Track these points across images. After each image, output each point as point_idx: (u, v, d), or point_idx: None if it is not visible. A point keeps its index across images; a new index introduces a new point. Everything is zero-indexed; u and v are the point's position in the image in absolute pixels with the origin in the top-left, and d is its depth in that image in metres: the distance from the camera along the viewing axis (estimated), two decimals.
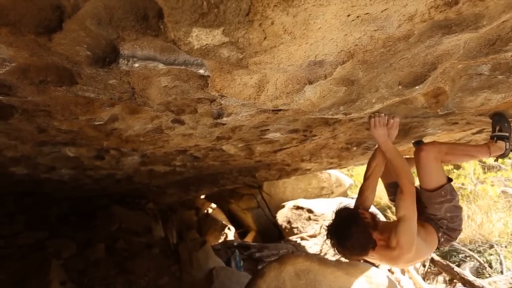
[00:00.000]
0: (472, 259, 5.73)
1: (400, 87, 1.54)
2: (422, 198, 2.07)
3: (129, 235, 4.84)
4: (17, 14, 0.94)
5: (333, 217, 2.00)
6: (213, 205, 8.48)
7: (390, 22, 1.07)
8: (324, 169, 5.59)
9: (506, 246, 5.85)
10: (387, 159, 1.99)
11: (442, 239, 2.07)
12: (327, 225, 1.99)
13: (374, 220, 1.98)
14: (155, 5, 0.90)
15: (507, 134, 2.10)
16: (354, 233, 1.85)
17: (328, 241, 1.97)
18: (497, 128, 2.12)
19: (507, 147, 2.12)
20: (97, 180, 3.66)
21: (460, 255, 5.87)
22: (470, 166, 7.50)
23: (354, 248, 1.87)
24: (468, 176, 7.51)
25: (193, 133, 2.16)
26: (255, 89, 1.38)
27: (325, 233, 1.98)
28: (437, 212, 2.04)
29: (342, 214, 1.97)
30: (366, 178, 2.19)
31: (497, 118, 2.13)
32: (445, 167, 8.80)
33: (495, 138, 2.11)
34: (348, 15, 1.01)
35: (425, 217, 2.08)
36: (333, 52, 1.20)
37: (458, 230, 2.08)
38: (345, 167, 5.97)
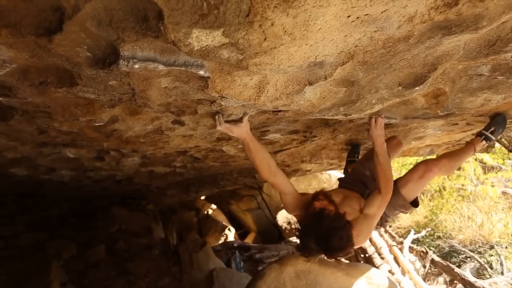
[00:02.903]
0: (473, 260, 5.73)
1: (400, 88, 1.54)
2: (392, 199, 2.01)
3: (129, 236, 4.84)
4: (17, 16, 0.94)
5: (301, 231, 1.82)
6: (213, 206, 8.47)
7: (390, 23, 1.07)
8: (324, 170, 5.59)
9: (506, 247, 5.85)
10: (378, 161, 1.98)
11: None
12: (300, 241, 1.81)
13: (331, 202, 1.83)
14: (155, 6, 0.90)
15: (493, 138, 2.22)
16: (334, 236, 1.68)
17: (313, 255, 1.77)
18: (492, 129, 2.20)
19: (490, 145, 2.27)
20: (97, 181, 3.66)
21: (461, 256, 5.87)
22: (470, 167, 7.49)
23: (342, 246, 1.71)
24: (468, 177, 7.50)
25: (193, 134, 2.16)
26: (255, 90, 1.38)
27: (304, 252, 1.77)
28: (391, 215, 2.22)
29: (308, 221, 1.78)
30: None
31: (499, 119, 2.17)
32: None
33: (482, 137, 2.23)
34: (348, 16, 1.01)
35: None
36: (333, 53, 1.20)
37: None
38: None
